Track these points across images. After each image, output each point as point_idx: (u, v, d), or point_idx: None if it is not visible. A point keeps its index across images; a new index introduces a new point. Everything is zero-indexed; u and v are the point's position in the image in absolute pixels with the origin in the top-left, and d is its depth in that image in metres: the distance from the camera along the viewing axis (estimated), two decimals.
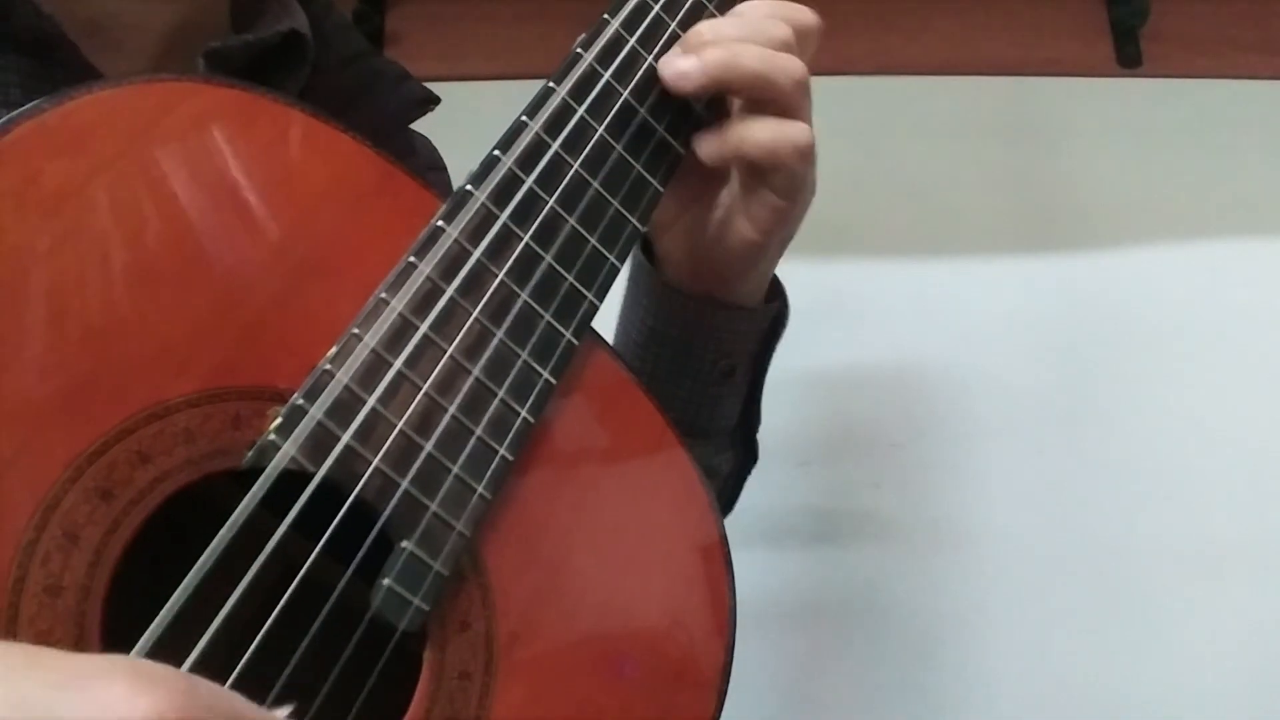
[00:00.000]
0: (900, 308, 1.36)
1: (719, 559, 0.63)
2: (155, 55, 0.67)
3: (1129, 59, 1.47)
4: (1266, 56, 1.48)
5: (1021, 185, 1.42)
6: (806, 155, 0.66)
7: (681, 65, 0.63)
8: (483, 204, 0.58)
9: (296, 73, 0.70)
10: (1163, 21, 1.46)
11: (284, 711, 0.45)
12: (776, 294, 0.77)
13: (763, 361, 0.78)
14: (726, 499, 0.83)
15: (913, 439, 1.32)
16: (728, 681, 0.61)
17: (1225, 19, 1.49)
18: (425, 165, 0.82)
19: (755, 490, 1.24)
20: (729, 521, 0.82)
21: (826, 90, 1.37)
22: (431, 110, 0.78)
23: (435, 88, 0.79)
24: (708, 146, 0.66)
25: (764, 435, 1.28)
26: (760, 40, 0.64)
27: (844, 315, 1.34)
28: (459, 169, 0.60)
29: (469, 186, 0.58)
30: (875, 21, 1.44)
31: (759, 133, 0.65)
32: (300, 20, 0.71)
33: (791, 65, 0.64)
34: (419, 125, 0.82)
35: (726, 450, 0.80)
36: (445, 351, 0.55)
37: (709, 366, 0.74)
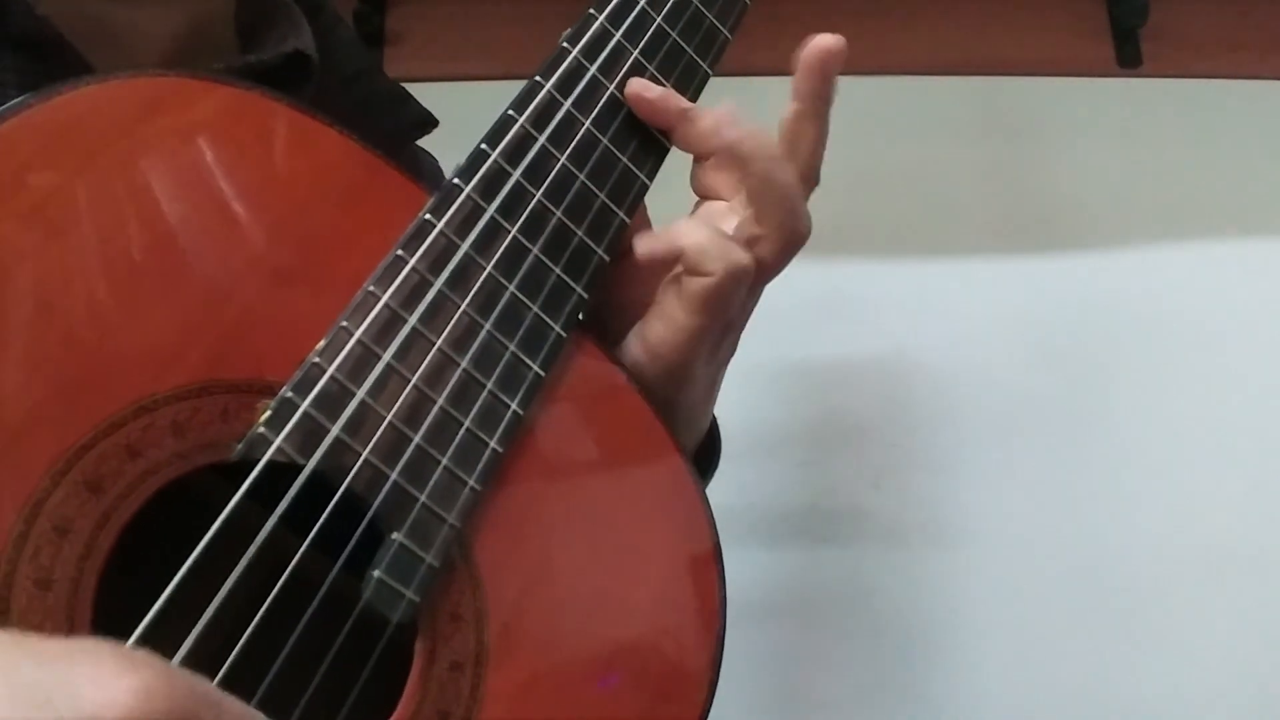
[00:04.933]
0: (899, 307, 1.36)
1: (709, 552, 0.63)
2: (159, 64, 0.67)
3: (1129, 59, 1.47)
4: (1266, 56, 1.48)
5: (1021, 185, 1.42)
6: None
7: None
8: (470, 197, 0.58)
9: (300, 93, 0.70)
10: (1163, 21, 1.46)
11: None
12: (709, 454, 0.75)
13: None
14: None
15: (911, 438, 1.32)
16: (718, 673, 0.61)
17: (1225, 19, 1.48)
18: None
19: (754, 488, 1.25)
20: (726, 520, 0.82)
21: None
22: (429, 133, 0.78)
23: (435, 88, 0.80)
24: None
25: (764, 434, 1.29)
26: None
27: (843, 314, 1.34)
28: None
29: (456, 180, 0.58)
30: (875, 21, 1.44)
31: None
32: (306, 39, 0.71)
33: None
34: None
35: None
36: (434, 344, 0.56)
37: None
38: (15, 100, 0.50)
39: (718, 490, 0.72)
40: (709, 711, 0.60)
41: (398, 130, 0.78)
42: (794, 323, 1.26)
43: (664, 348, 0.64)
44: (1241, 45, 1.48)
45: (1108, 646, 1.27)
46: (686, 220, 0.64)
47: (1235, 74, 1.47)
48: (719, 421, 0.80)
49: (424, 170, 0.82)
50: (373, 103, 0.76)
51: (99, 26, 0.65)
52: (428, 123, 0.78)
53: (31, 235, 0.49)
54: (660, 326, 0.64)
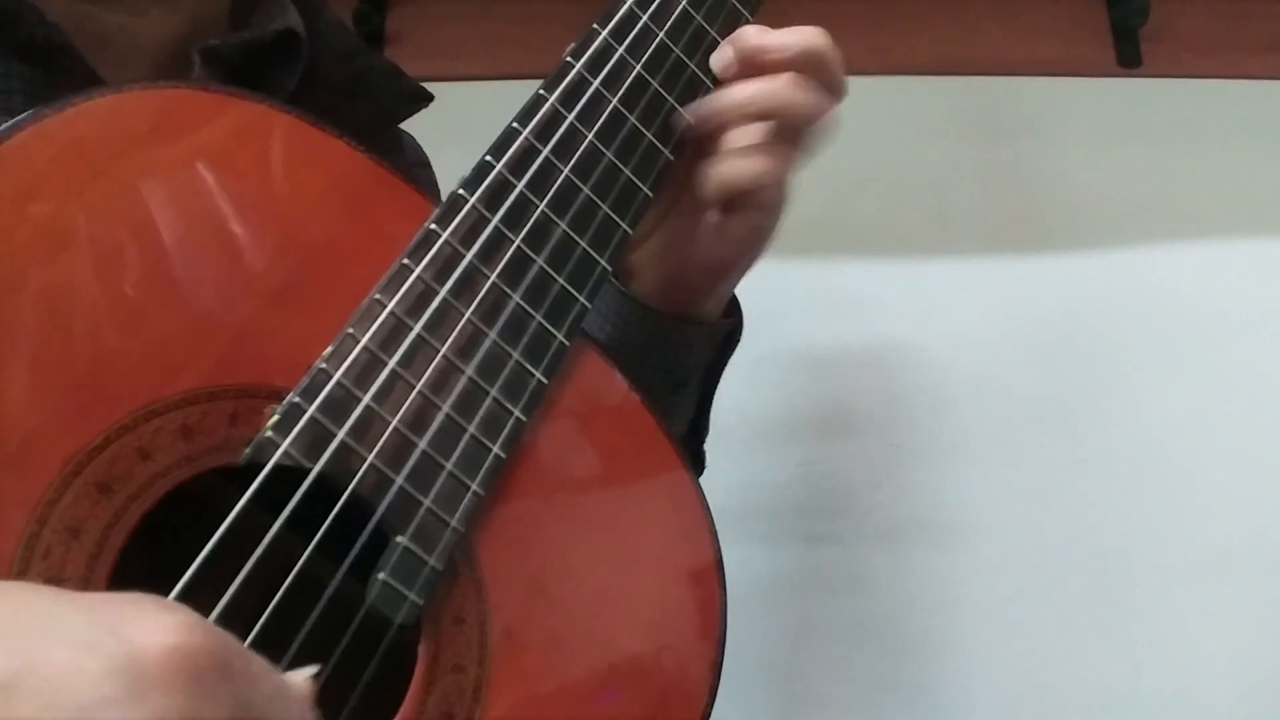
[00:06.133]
0: (899, 307, 1.36)
1: (711, 563, 0.64)
2: (160, 65, 0.68)
3: (1129, 59, 1.47)
4: (1266, 56, 1.48)
5: (1020, 185, 1.42)
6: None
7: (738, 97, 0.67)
8: (474, 207, 0.59)
9: (291, 71, 0.71)
10: (1163, 21, 1.46)
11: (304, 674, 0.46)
12: (733, 309, 0.78)
13: (714, 375, 0.78)
14: None
15: (911, 437, 1.33)
16: (718, 678, 0.62)
17: (1225, 19, 1.48)
18: (412, 162, 0.84)
19: (753, 488, 1.25)
20: (725, 520, 0.83)
21: None
22: (424, 107, 0.79)
23: (435, 88, 0.80)
24: (709, 185, 0.68)
25: (764, 433, 1.29)
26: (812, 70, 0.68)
27: (843, 314, 1.34)
28: (459, 169, 0.61)
29: (461, 191, 0.59)
30: (875, 21, 1.45)
31: (752, 166, 0.68)
32: (294, 19, 0.71)
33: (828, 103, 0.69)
34: (419, 122, 0.83)
35: None
36: (438, 351, 0.57)
37: (662, 377, 0.74)
38: (28, 112, 0.51)
39: (717, 491, 0.73)
40: (709, 715, 0.61)
41: (394, 105, 0.78)
42: (794, 322, 1.26)
43: (737, 246, 0.71)
44: (1241, 45, 1.48)
45: (1107, 645, 1.27)
46: None
47: (1235, 74, 1.47)
48: (718, 415, 0.81)
49: (405, 149, 0.83)
50: (369, 77, 0.77)
51: (101, 33, 0.66)
52: (422, 96, 0.79)
53: (46, 242, 0.50)
54: (737, 228, 0.70)
